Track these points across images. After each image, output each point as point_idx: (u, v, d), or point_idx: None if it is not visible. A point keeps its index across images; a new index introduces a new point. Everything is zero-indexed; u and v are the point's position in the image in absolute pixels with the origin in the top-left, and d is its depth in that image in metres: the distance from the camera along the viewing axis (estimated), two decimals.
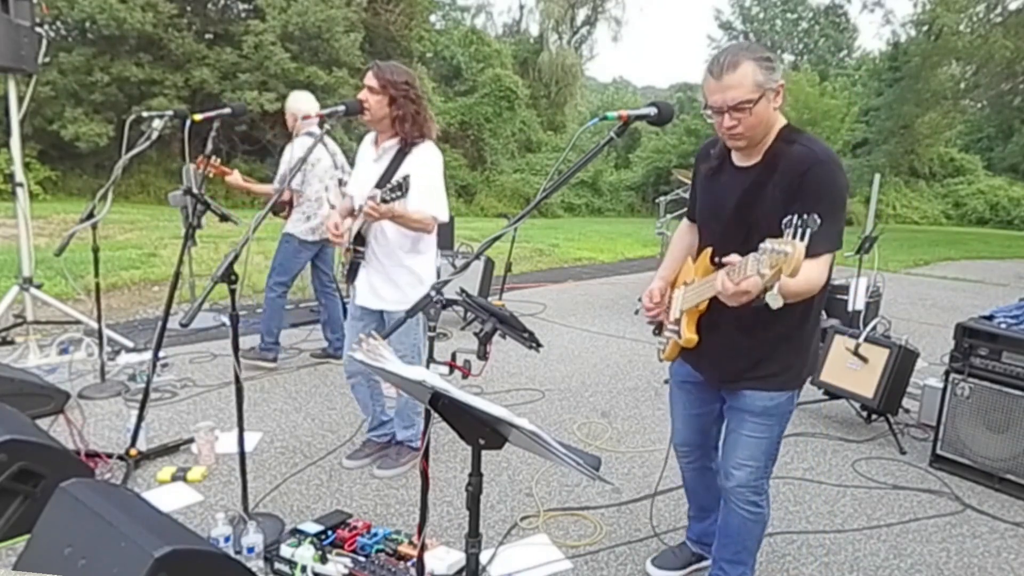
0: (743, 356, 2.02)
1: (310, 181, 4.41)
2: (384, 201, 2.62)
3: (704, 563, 2.51)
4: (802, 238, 1.47)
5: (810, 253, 1.76)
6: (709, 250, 2.01)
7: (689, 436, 2.35)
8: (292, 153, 4.17)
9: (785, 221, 1.50)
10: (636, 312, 2.40)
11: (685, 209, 2.38)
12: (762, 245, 1.52)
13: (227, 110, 3.42)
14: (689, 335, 2.04)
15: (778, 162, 1.86)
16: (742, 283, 1.61)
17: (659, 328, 2.25)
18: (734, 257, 1.68)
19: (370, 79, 2.85)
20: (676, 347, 2.13)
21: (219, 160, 4.34)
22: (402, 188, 2.63)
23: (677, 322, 2.09)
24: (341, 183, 4.44)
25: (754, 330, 1.97)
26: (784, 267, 1.47)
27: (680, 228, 2.39)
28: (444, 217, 2.97)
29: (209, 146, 3.31)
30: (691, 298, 2.02)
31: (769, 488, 2.18)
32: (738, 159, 2.00)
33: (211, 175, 4.02)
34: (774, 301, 1.55)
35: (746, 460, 2.09)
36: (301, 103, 4.39)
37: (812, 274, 1.77)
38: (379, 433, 3.35)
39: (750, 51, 1.81)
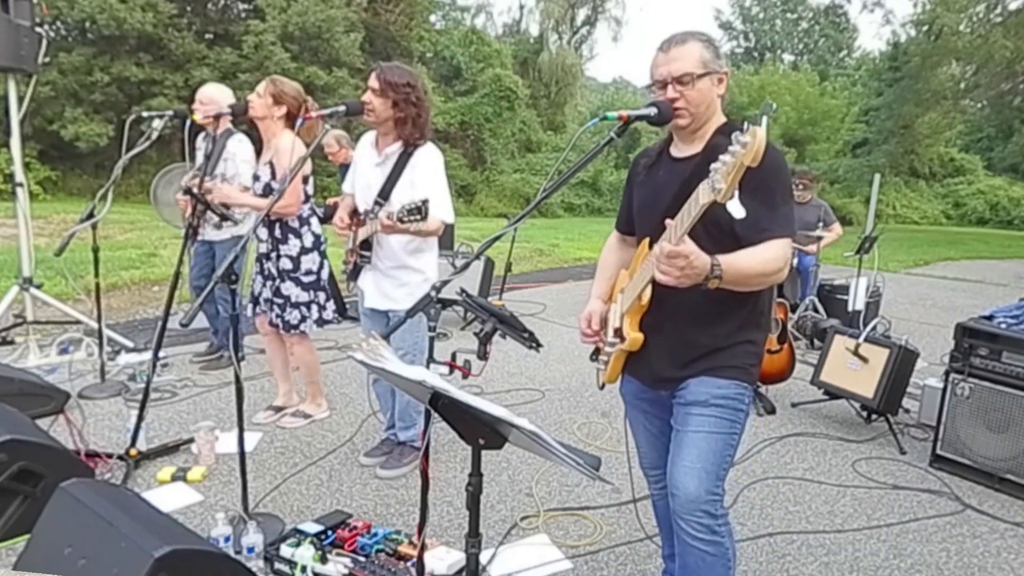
0: (691, 353, 1.86)
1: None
2: (400, 221, 2.67)
3: None
4: (758, 124, 1.39)
5: (767, 236, 1.70)
6: (646, 241, 1.87)
7: (657, 457, 2.11)
8: (246, 148, 4.08)
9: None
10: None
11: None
12: (713, 165, 1.43)
13: (227, 109, 3.43)
14: (634, 334, 1.86)
15: (718, 152, 1.61)
16: (680, 245, 1.51)
17: (596, 352, 2.08)
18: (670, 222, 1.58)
19: (373, 81, 2.86)
20: (620, 359, 1.96)
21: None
22: (421, 212, 2.64)
23: (617, 332, 1.91)
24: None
25: (702, 325, 1.83)
26: (745, 158, 1.38)
27: (608, 243, 2.24)
28: (451, 219, 3.00)
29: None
30: (630, 293, 1.85)
31: (728, 516, 1.89)
32: (676, 150, 1.93)
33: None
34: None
35: (694, 462, 1.80)
36: (225, 94, 4.19)
37: (768, 255, 1.70)
38: (395, 431, 3.34)
39: (698, 34, 1.86)
